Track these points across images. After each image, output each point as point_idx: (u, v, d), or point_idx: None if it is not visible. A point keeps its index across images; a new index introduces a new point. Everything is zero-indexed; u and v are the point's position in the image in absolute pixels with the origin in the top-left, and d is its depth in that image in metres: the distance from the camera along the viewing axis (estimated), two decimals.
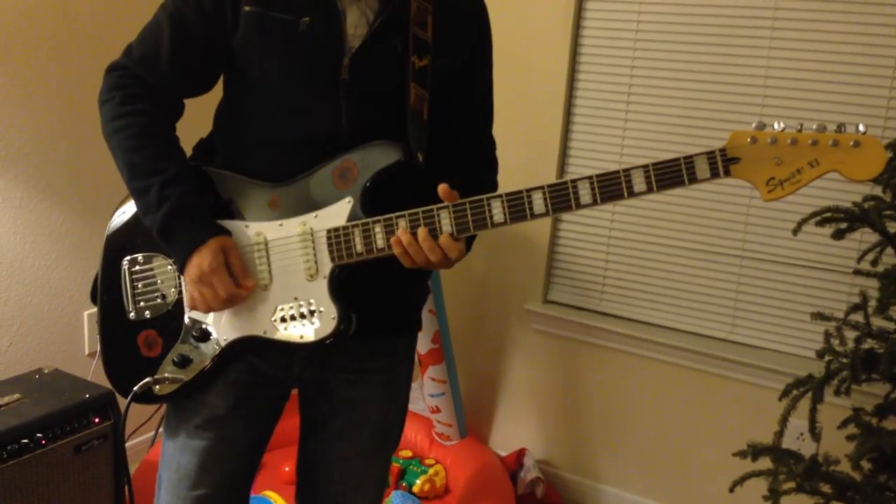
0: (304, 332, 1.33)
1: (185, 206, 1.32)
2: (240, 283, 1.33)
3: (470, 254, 1.38)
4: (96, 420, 2.13)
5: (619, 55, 2.61)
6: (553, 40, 2.67)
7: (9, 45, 2.29)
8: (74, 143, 2.49)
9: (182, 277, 1.36)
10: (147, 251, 1.40)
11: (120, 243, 1.44)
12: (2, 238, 2.35)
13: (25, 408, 2.05)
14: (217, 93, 1.47)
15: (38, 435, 2.01)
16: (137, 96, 1.35)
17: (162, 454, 1.50)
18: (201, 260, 1.30)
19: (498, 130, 1.55)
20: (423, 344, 2.70)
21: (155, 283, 1.40)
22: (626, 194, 1.24)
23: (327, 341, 1.32)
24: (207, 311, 1.35)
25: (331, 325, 1.32)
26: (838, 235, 1.83)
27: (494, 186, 1.49)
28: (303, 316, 1.33)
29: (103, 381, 1.81)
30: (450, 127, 1.44)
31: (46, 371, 2.26)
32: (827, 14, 2.30)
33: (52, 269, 2.50)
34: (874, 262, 1.86)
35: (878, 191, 1.90)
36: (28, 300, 2.45)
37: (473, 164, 1.50)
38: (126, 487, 1.88)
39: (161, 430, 1.55)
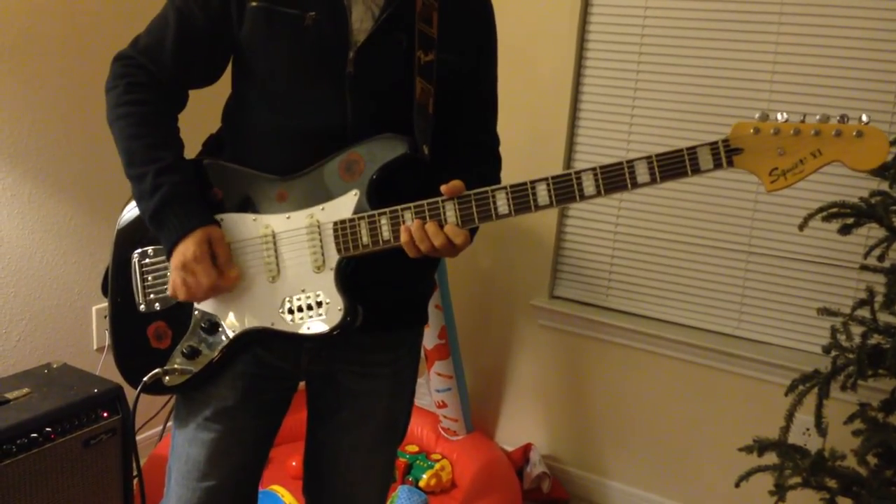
0: (311, 323, 1.34)
1: (177, 194, 1.33)
2: (223, 274, 1.34)
3: (477, 250, 1.39)
4: (105, 414, 2.14)
5: (626, 48, 2.61)
6: (559, 33, 2.67)
7: (16, 43, 2.30)
8: (83, 140, 2.51)
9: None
10: (157, 244, 1.41)
11: (130, 236, 1.45)
12: (11, 233, 2.37)
13: (34, 402, 2.06)
14: (226, 88, 1.48)
15: (48, 429, 2.02)
16: (140, 85, 1.37)
17: (172, 446, 1.51)
18: (185, 248, 1.31)
19: (505, 124, 1.56)
20: (430, 339, 2.70)
21: (164, 276, 1.41)
22: (629, 185, 1.24)
23: (334, 332, 1.33)
24: (187, 299, 1.35)
25: (337, 317, 1.33)
26: (845, 231, 1.83)
27: (497, 182, 1.49)
28: (310, 308, 1.34)
29: (112, 376, 1.82)
30: (454, 122, 1.45)
31: (55, 366, 2.28)
32: (834, 7, 2.30)
33: (60, 265, 2.52)
34: (881, 258, 1.86)
35: (884, 186, 1.90)
36: (37, 295, 2.47)
37: (477, 159, 1.50)
38: (137, 479, 1.89)
39: (169, 424, 1.56)
